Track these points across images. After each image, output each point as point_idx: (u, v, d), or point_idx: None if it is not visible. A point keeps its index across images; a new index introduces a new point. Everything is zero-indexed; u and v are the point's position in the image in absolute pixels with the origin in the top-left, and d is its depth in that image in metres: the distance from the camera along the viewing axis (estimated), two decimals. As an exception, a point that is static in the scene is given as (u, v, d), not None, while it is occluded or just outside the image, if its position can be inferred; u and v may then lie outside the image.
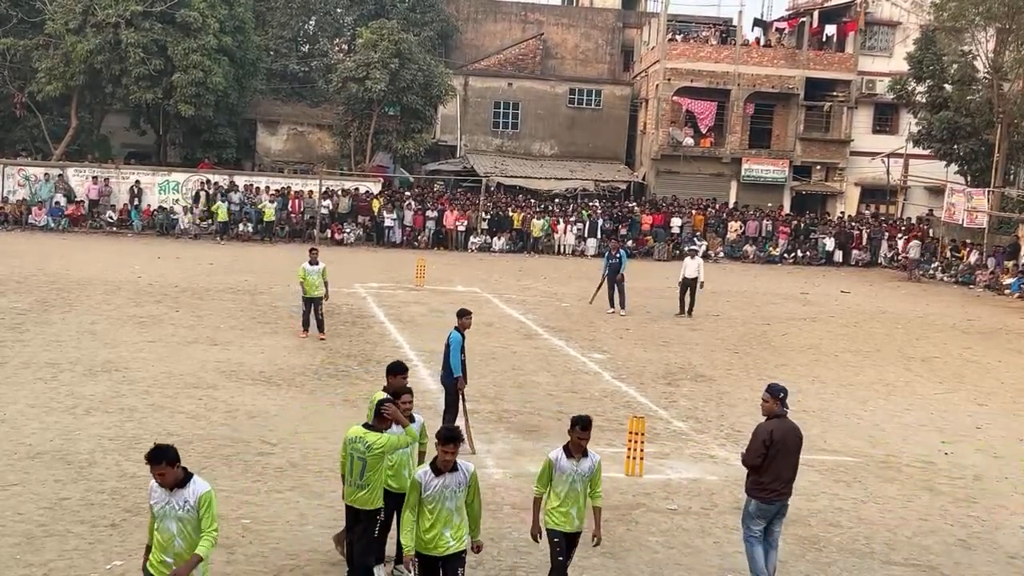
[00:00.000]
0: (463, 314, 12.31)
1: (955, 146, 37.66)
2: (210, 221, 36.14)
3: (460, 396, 11.92)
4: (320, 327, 18.50)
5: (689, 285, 23.76)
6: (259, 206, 36.21)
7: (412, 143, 39.52)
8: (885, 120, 45.14)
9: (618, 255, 24.01)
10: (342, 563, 8.60)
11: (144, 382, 14.35)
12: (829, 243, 39.71)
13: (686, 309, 23.82)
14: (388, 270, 29.22)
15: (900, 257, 38.88)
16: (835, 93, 44.53)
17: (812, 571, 9.14)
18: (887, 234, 40.48)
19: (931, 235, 39.81)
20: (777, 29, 46.73)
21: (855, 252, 39.72)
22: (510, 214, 38.52)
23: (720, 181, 44.07)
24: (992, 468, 12.73)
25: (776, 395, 8.67)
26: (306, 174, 40.00)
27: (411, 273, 26.83)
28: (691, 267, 23.83)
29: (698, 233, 39.09)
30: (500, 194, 41.63)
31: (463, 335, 12.14)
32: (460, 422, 11.92)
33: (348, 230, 36.79)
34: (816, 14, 44.72)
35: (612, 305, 23.70)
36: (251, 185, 37.51)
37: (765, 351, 19.84)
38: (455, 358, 11.87)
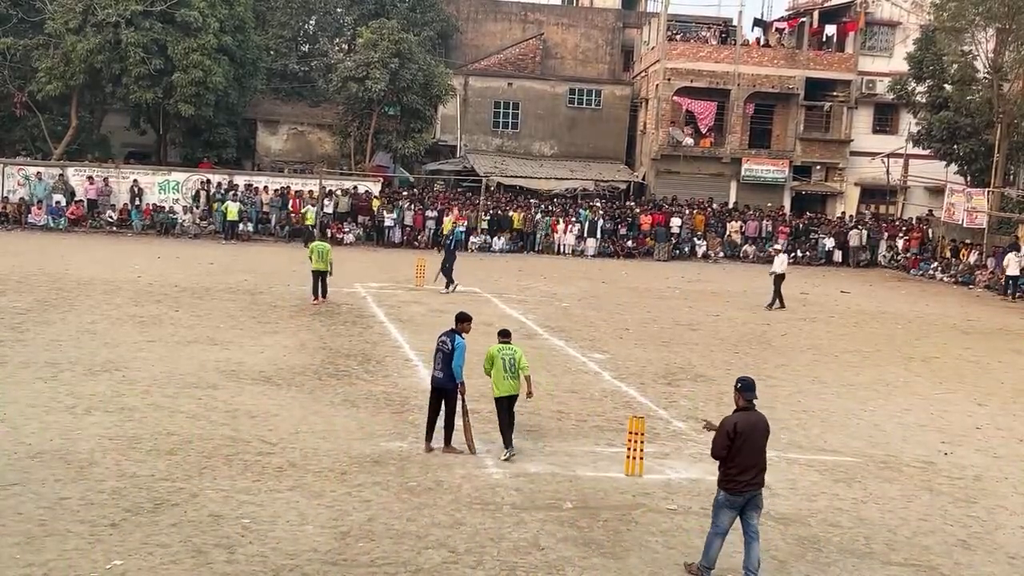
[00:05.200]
0: (466, 319, 12.21)
1: (955, 146, 37.66)
2: (209, 221, 36.14)
3: (462, 399, 11.89)
4: (324, 293, 22.28)
5: (779, 279, 25.99)
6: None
7: (412, 143, 39.50)
8: (885, 120, 45.13)
9: (450, 239, 27.04)
10: (341, 563, 8.62)
11: (144, 382, 14.34)
12: (828, 243, 39.71)
13: (780, 302, 25.91)
14: (388, 270, 29.22)
15: (900, 256, 38.95)
16: (835, 93, 44.52)
17: (812, 571, 9.13)
18: (886, 234, 40.50)
19: (931, 235, 39.84)
20: (777, 29, 46.71)
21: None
22: (510, 214, 38.52)
23: (720, 181, 44.06)
24: (992, 468, 12.73)
25: (739, 389, 8.78)
26: (306, 174, 40.00)
27: (411, 273, 26.83)
28: (778, 263, 26.40)
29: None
30: (500, 194, 41.64)
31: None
32: (459, 422, 11.92)
33: (348, 230, 36.79)
34: (816, 14, 44.72)
35: (447, 285, 25.24)
36: (251, 185, 37.52)
37: (765, 351, 19.84)
38: (460, 361, 11.75)
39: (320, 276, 22.19)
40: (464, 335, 12.02)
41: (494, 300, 24.61)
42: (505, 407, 11.93)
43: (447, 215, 36.55)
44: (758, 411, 8.84)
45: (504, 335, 12.24)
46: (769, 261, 38.23)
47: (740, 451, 8.57)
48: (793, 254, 39.44)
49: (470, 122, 45.88)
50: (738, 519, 8.83)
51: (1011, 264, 31.71)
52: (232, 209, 35.24)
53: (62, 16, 36.06)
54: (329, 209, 37.17)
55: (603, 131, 46.52)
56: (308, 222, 35.62)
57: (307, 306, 21.81)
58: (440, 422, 11.99)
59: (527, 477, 11.16)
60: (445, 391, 11.88)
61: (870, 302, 28.54)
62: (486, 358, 11.90)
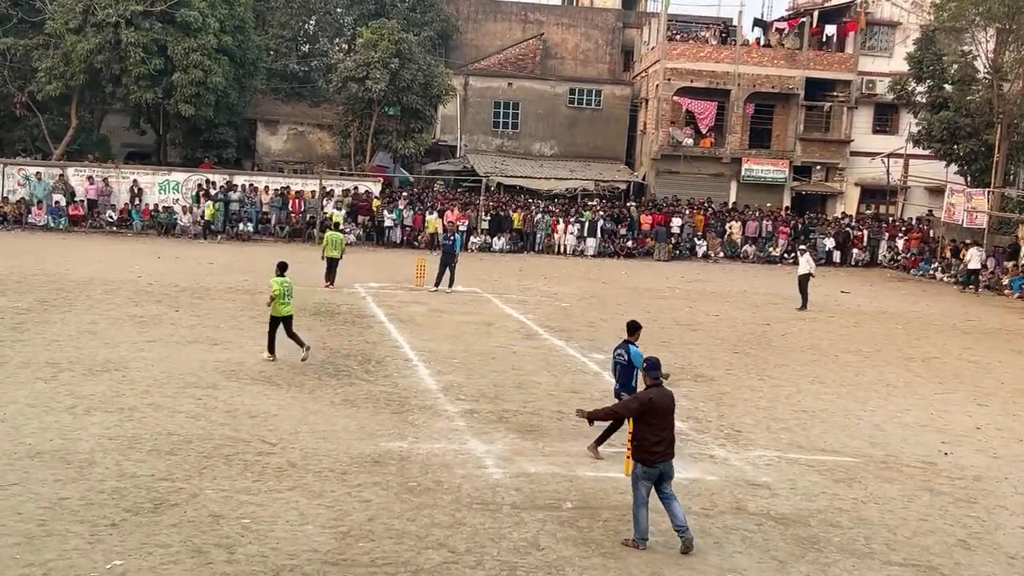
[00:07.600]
0: (637, 328, 12.47)
1: (955, 146, 37.68)
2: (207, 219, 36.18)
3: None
4: (332, 279, 24.60)
5: (804, 280, 25.68)
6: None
7: (412, 143, 39.52)
8: (885, 120, 45.16)
9: (452, 238, 26.64)
10: (342, 563, 8.62)
11: (144, 382, 14.33)
12: (829, 243, 39.71)
13: (805, 303, 25.61)
14: (388, 270, 29.22)
15: (900, 256, 38.97)
16: (835, 93, 44.55)
17: (812, 571, 9.13)
18: (887, 234, 40.52)
19: (931, 235, 39.85)
20: (777, 29, 46.73)
21: (855, 252, 39.71)
22: (510, 214, 38.53)
23: (720, 181, 44.09)
24: (992, 468, 12.72)
25: (645, 369, 9.67)
26: (306, 174, 40.00)
27: (411, 273, 26.83)
28: (804, 264, 26.13)
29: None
30: (500, 194, 41.64)
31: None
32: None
33: (348, 230, 36.77)
34: (816, 14, 44.74)
35: (437, 284, 25.28)
36: (250, 184, 37.49)
37: (765, 351, 19.83)
38: (639, 363, 11.79)
39: (333, 263, 24.60)
40: (636, 344, 12.27)
41: (494, 300, 24.61)
42: (281, 325, 15.95)
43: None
44: (666, 388, 9.59)
45: (281, 268, 15.96)
46: (770, 262, 38.60)
47: (655, 421, 9.26)
48: (794, 254, 39.51)
49: (470, 122, 45.90)
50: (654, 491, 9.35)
51: (973, 258, 32.51)
52: (209, 208, 35.16)
53: (62, 16, 36.07)
54: (335, 210, 37.15)
55: (603, 131, 46.55)
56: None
57: (306, 304, 21.78)
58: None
59: (527, 477, 11.16)
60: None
61: (870, 302, 28.54)
62: (272, 287, 15.78)
